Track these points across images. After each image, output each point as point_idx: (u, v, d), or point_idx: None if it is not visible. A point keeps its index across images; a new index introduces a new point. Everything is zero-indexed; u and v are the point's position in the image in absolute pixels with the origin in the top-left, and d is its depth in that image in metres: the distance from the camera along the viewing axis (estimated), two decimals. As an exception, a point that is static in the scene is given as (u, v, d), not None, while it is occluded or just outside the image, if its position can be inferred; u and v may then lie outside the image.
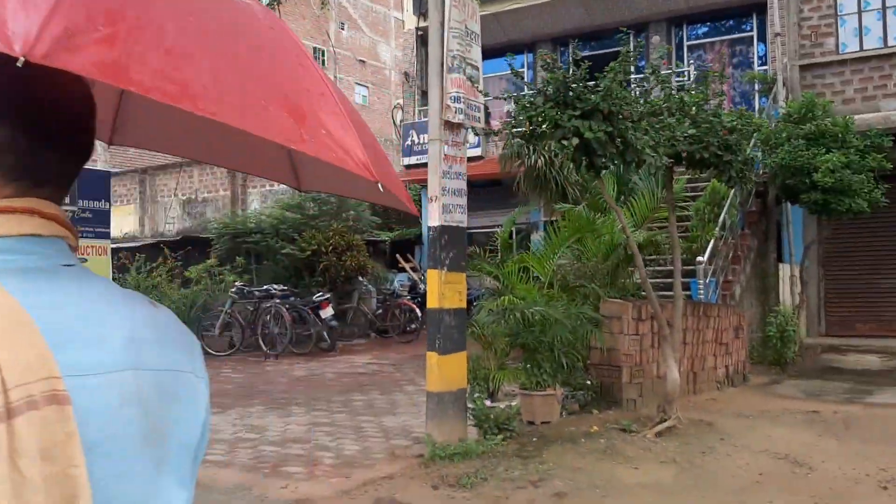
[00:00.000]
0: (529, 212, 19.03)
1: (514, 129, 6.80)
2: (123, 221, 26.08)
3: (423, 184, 21.37)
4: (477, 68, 6.37)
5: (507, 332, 6.78)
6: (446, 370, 6.09)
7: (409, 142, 20.38)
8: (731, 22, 18.07)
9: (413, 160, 20.20)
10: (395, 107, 23.65)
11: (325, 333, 14.16)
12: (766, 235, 13.70)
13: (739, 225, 12.49)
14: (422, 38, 21.07)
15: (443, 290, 6.06)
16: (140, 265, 13.75)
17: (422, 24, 20.49)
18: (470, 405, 6.31)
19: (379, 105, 41.96)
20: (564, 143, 5.74)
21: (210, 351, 14.03)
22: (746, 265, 12.42)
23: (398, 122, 21.25)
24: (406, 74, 20.78)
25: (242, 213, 19.08)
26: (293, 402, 9.02)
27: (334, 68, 39.15)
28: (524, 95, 6.59)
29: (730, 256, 11.77)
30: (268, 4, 34.43)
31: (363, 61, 41.35)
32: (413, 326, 16.39)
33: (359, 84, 40.99)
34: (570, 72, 6.19)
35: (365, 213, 17.95)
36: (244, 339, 14.23)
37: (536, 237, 19.70)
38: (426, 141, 20.48)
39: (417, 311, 15.87)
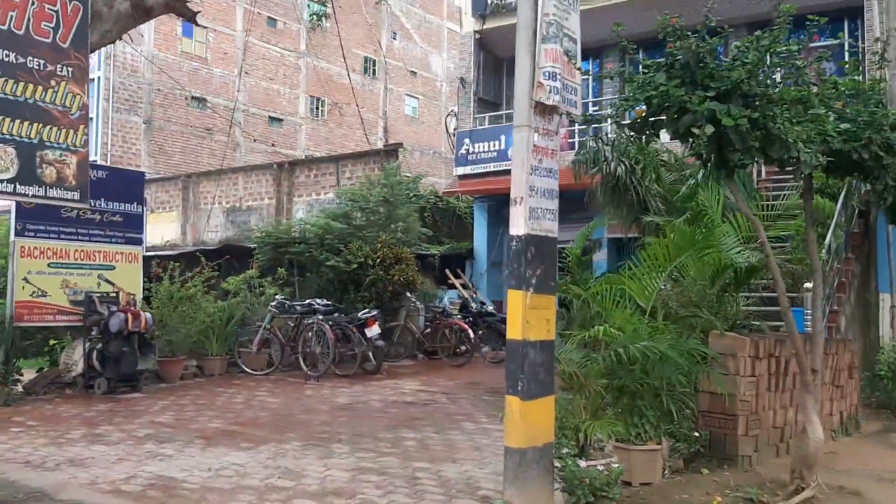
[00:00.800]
0: (593, 228, 17.57)
1: (617, 120, 5.51)
2: (165, 229, 25.27)
3: (479, 195, 20.13)
4: (575, 41, 5.10)
5: (603, 372, 5.44)
6: (531, 420, 4.79)
7: (463, 150, 19.17)
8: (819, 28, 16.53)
9: (468, 170, 18.98)
10: (448, 114, 22.46)
11: (370, 354, 12.95)
12: (868, 261, 12.15)
13: (843, 248, 10.98)
14: (480, 43, 19.89)
15: (527, 316, 4.78)
16: (174, 274, 12.69)
17: (480, 27, 19.32)
18: (557, 463, 4.97)
19: (429, 117, 40.92)
20: (695, 131, 4.45)
21: (247, 369, 12.94)
22: (851, 294, 10.91)
23: (452, 130, 20.04)
24: (462, 80, 19.59)
25: (286, 221, 18.01)
26: (335, 438, 7.78)
27: (385, 79, 38.26)
28: (639, 72, 5.28)
29: (835, 284, 10.27)
30: (315, 17, 33.72)
31: (414, 72, 40.37)
32: (464, 348, 15.09)
33: (409, 95, 40.01)
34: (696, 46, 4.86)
35: (415, 225, 16.73)
36: (283, 358, 13.09)
37: (600, 256, 18.30)
38: (482, 149, 19.27)
39: (470, 332, 14.59)
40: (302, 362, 12.57)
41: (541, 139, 4.95)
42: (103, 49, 28.54)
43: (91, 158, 11.68)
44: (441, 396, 10.63)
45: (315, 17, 34.27)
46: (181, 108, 30.46)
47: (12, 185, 8.36)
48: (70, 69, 8.69)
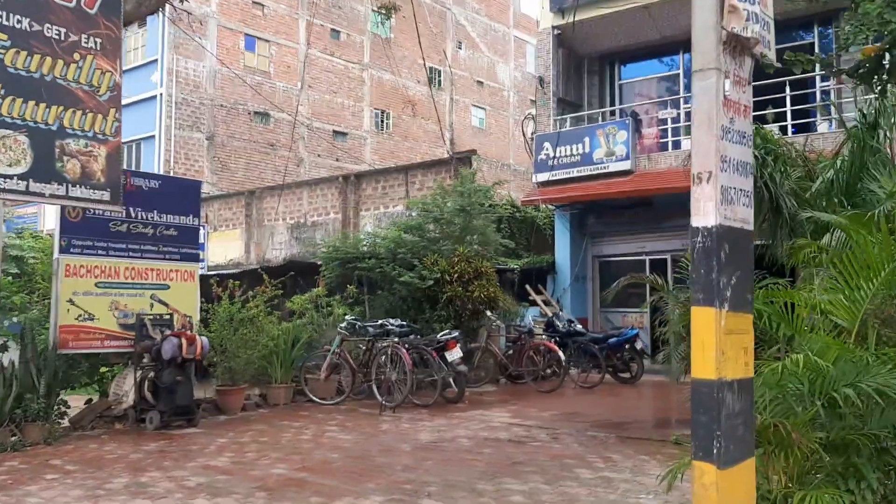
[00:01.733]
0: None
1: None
2: (229, 247, 24.37)
3: (560, 203, 18.56)
4: (768, -46, 3.58)
5: (811, 419, 3.87)
6: (730, 494, 3.25)
7: (542, 155, 17.66)
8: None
9: (548, 176, 17.46)
10: (525, 117, 20.99)
11: (451, 380, 11.50)
12: None
13: None
14: (559, 39, 18.40)
15: (723, 345, 3.26)
16: (234, 294, 11.49)
17: (560, 21, 17.84)
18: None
19: (496, 128, 39.52)
20: None
21: (314, 398, 11.64)
22: None
23: (530, 135, 18.55)
24: (540, 80, 18.11)
25: (354, 235, 16.75)
26: (424, 492, 6.33)
27: (451, 89, 37.05)
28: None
29: None
30: (380, 22, 32.58)
31: (481, 82, 39.07)
32: (553, 371, 13.53)
33: (475, 106, 38.70)
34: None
35: (494, 236, 15.27)
36: (354, 385, 11.75)
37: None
38: (564, 153, 17.74)
39: (560, 353, 13.02)
40: (376, 390, 11.19)
41: (732, 89, 3.44)
42: (165, 64, 28.02)
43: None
44: (539, 431, 9.10)
45: (380, 24, 33.27)
46: (244, 124, 29.72)
47: (25, 182, 7.08)
48: (98, 40, 7.40)
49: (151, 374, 9.86)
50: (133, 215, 10.48)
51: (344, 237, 16.37)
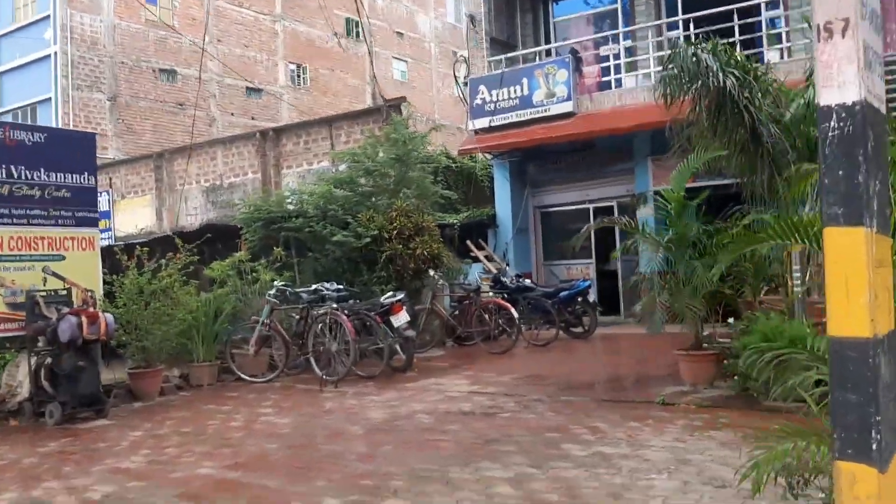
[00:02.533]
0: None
1: None
2: (139, 215, 22.48)
3: (500, 151, 17.39)
4: None
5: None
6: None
7: (478, 100, 16.45)
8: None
9: (486, 122, 16.25)
10: (457, 60, 19.69)
11: (398, 347, 10.32)
12: None
13: None
14: (489, -27, 17.09)
15: (875, 283, 2.14)
16: (143, 263, 9.99)
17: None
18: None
19: (420, 81, 38.05)
20: None
21: (244, 376, 10.33)
22: None
23: (463, 78, 17.26)
24: (471, 18, 16.82)
25: (278, 193, 15.24)
26: (389, 487, 5.15)
27: (369, 41, 35.31)
28: None
29: None
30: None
31: (401, 33, 37.41)
32: (504, 331, 12.49)
33: (397, 59, 37.10)
34: None
35: (433, 188, 14.05)
36: (289, 359, 10.44)
37: (645, 212, 15.68)
38: (501, 97, 16.51)
39: (513, 311, 11.96)
40: (314, 364, 9.93)
41: None
42: (58, 20, 25.50)
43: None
44: (506, 400, 8.01)
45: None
46: (149, 83, 27.51)
47: None
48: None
49: (48, 359, 8.36)
50: (15, 175, 8.86)
51: (266, 195, 14.82)
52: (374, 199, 13.67)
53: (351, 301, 10.58)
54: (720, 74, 7.72)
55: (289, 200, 13.77)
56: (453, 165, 17.76)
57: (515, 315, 11.88)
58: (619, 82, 15.59)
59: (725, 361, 7.73)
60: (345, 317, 9.61)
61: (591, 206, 16.68)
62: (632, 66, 16.05)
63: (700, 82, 7.94)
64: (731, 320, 7.67)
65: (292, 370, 10.60)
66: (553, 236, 17.89)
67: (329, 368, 9.71)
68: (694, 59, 7.94)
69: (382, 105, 17.36)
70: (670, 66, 8.22)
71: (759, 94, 8.49)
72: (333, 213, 12.67)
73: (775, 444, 3.24)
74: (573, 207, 17.21)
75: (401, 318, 10.18)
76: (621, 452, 5.68)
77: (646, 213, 15.58)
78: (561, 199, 17.17)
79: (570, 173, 16.76)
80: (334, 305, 9.88)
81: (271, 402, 8.81)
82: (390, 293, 10.54)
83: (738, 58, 8.71)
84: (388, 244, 12.36)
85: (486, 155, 17.04)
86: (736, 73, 7.82)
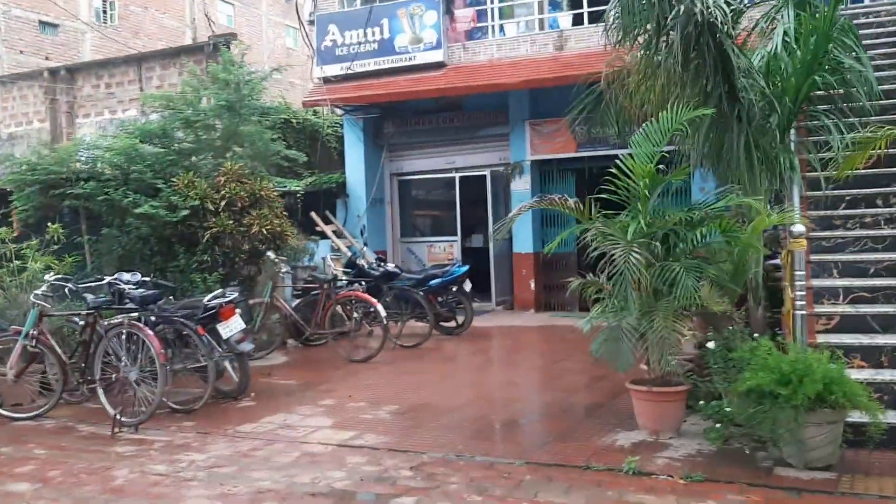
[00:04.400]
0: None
1: None
2: None
3: (353, 105, 14.23)
4: None
5: None
6: None
7: (327, 42, 13.58)
8: None
9: (336, 69, 13.43)
10: (301, -7, 16.53)
11: (228, 366, 7.46)
12: None
13: None
14: None
15: None
16: None
17: None
18: None
19: (249, 30, 34.06)
20: None
21: (1, 411, 7.13)
22: None
23: (308, 16, 14.23)
24: (319, -58, 13.78)
25: (64, 147, 11.59)
26: None
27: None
28: None
29: None
30: None
31: (226, -29, 33.29)
32: (361, 330, 9.89)
33: (223, 0, 32.99)
34: None
35: (274, 146, 11.12)
36: (66, 386, 7.28)
37: (521, 185, 13.53)
38: (355, 40, 13.39)
39: (381, 309, 9.38)
40: (103, 399, 6.85)
41: None
42: None
43: None
44: (397, 463, 5.40)
45: None
46: None
47: None
48: None
49: None
50: None
51: (45, 149, 11.12)
52: (195, 158, 10.56)
53: (161, 301, 7.55)
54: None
55: (79, 157, 10.38)
56: (294, 121, 14.75)
57: (383, 314, 9.28)
58: (500, 29, 13.19)
59: (700, 402, 5.57)
60: (150, 331, 6.62)
61: (457, 175, 14.33)
62: (512, 12, 13.67)
63: (674, 8, 5.62)
64: (710, 344, 5.47)
65: (73, 401, 7.47)
66: (411, 208, 15.42)
67: (126, 403, 6.70)
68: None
69: (207, 42, 14.04)
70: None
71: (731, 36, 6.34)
72: (139, 177, 9.49)
73: None
74: (437, 176, 14.78)
75: (232, 326, 7.31)
76: None
77: (521, 185, 13.48)
78: (423, 165, 14.66)
79: (434, 136, 14.28)
80: (134, 315, 6.84)
81: (35, 462, 5.75)
82: (218, 291, 7.60)
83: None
84: (213, 218, 9.37)
85: (336, 110, 14.19)
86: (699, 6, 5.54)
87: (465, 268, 11.14)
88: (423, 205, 15.86)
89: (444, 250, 14.47)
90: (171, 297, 8.21)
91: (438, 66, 13.02)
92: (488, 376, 8.69)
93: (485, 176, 13.89)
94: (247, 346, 7.40)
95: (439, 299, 11.12)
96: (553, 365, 8.71)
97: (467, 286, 11.24)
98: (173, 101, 10.82)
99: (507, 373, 8.82)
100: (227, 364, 7.45)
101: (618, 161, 5.70)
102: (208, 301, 7.32)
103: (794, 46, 6.29)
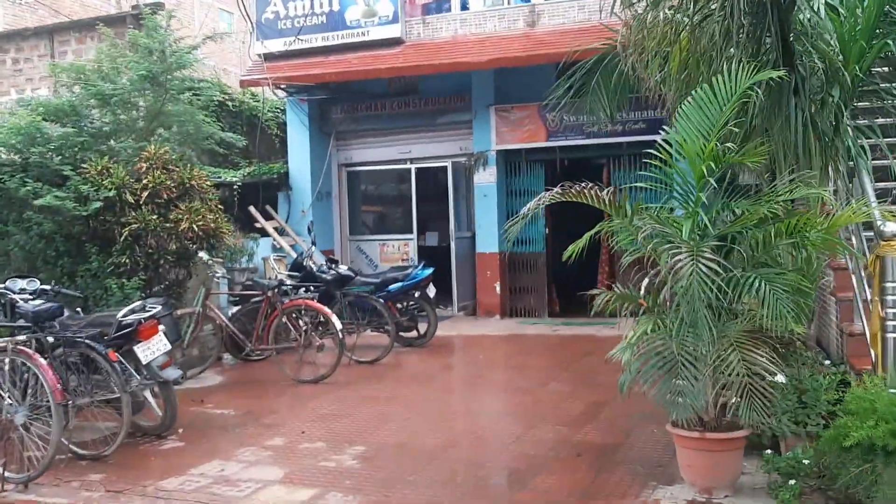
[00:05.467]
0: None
1: None
2: None
3: (298, 85, 10.99)
4: None
5: None
6: None
7: (268, 13, 12.07)
8: None
9: (279, 45, 11.94)
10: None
11: (150, 398, 5.95)
12: None
13: None
14: None
15: None
16: None
17: None
18: None
19: (180, 13, 31.86)
20: None
21: None
22: None
23: (246, -15, 12.62)
24: None
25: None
26: None
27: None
28: None
29: None
30: None
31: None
32: (310, 343, 8.36)
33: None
34: None
35: (208, 128, 9.57)
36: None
37: (485, 177, 12.22)
38: (301, 11, 10.93)
39: (335, 320, 7.96)
40: (-19, 445, 5.28)
41: None
42: None
43: None
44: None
45: None
46: None
47: None
48: None
49: None
50: None
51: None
52: (113, 142, 8.94)
53: (64, 316, 6.00)
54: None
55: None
56: (230, 104, 13.12)
57: (339, 327, 7.83)
58: (463, 3, 11.81)
59: (767, 452, 4.34)
60: (42, 360, 5.07)
61: (413, 167, 12.94)
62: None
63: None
64: (779, 378, 4.24)
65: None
66: (360, 201, 13.97)
67: (11, 453, 5.15)
68: None
69: (130, 12, 12.34)
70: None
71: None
72: (41, 161, 7.85)
73: None
74: (390, 167, 13.37)
75: (154, 348, 5.82)
76: None
77: (485, 178, 12.19)
78: (375, 155, 13.22)
79: (388, 123, 12.85)
80: (21, 338, 5.28)
81: None
82: (137, 304, 6.06)
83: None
84: (133, 213, 7.81)
85: (278, 91, 12.63)
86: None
87: (429, 270, 9.77)
88: (375, 199, 14.43)
89: (399, 249, 13.07)
90: (78, 310, 6.65)
91: (395, 42, 11.61)
92: (469, 403, 7.32)
93: (445, 167, 12.53)
94: (172, 374, 5.91)
95: (398, 306, 9.75)
96: (541, 388, 7.41)
97: (431, 291, 9.89)
98: (87, 73, 9.16)
99: (491, 398, 7.44)
100: (147, 395, 5.95)
101: (659, 138, 4.41)
102: (123, 316, 5.79)
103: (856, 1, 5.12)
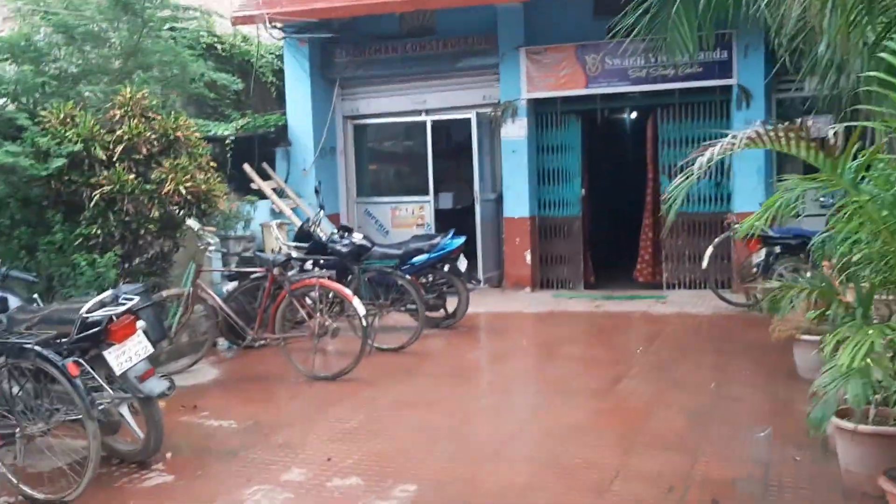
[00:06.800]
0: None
1: None
2: None
3: (296, 24, 9.01)
4: None
5: None
6: None
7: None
8: None
9: (278, -25, 10.22)
10: None
11: (127, 416, 4.51)
12: None
13: None
14: None
15: None
16: None
17: None
18: None
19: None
20: None
21: None
22: None
23: None
24: None
25: None
26: None
27: None
28: None
29: None
30: None
31: None
32: (322, 332, 6.87)
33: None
34: None
35: (195, 68, 8.00)
36: None
37: (514, 131, 10.70)
38: None
39: (357, 303, 6.50)
40: None
41: None
42: None
43: None
44: None
45: None
46: None
47: None
48: None
49: None
50: None
51: None
52: (82, 85, 7.38)
53: (13, 308, 4.54)
54: None
55: None
56: (220, 47, 11.48)
57: (362, 312, 6.38)
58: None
59: None
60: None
61: (428, 119, 11.38)
62: None
63: None
64: None
65: None
66: (370, 159, 12.44)
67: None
68: None
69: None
70: None
71: None
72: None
73: None
74: (403, 119, 11.82)
75: (131, 352, 4.38)
76: None
77: (515, 131, 10.68)
78: (385, 105, 11.64)
79: (400, 68, 11.26)
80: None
81: None
82: (107, 293, 4.56)
83: None
84: (104, 172, 6.29)
85: (275, 32, 11.00)
86: None
87: (460, 240, 8.32)
88: (386, 156, 12.89)
89: (413, 213, 11.58)
90: (36, 297, 5.16)
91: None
92: (534, 412, 5.81)
93: (467, 120, 10.98)
94: (157, 387, 4.45)
95: (422, 281, 8.32)
96: (614, 388, 6.00)
97: (462, 264, 8.47)
98: (48, 3, 7.56)
99: (559, 405, 5.75)
100: (124, 411, 4.51)
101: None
102: (88, 312, 4.31)
103: None
